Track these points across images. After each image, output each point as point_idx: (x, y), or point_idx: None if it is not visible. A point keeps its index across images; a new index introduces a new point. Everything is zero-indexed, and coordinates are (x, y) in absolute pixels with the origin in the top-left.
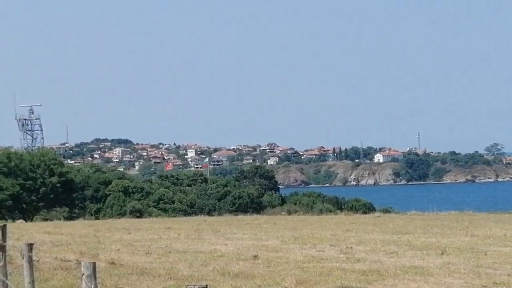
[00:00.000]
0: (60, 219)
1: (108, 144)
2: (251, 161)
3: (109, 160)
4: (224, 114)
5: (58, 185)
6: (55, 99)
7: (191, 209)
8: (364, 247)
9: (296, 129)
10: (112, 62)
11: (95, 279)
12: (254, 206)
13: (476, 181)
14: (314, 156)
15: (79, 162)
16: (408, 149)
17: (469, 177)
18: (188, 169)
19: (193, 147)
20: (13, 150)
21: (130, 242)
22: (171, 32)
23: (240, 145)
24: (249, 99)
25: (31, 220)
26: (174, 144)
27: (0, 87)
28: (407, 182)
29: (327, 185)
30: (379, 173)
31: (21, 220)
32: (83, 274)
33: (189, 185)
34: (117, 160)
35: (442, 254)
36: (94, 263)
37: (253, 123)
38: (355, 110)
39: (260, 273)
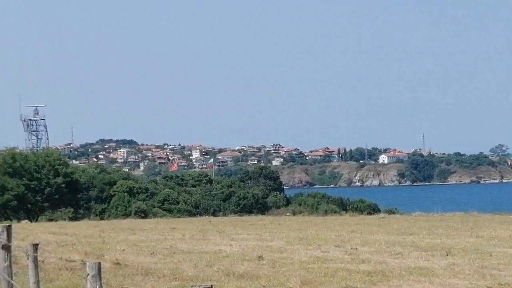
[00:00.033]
0: (65, 220)
1: (113, 144)
2: (255, 161)
3: (114, 161)
4: (229, 115)
5: (63, 185)
6: (60, 100)
7: (195, 210)
8: (369, 248)
9: (301, 130)
10: (117, 62)
11: (100, 280)
12: (259, 207)
13: (481, 182)
14: (319, 157)
15: (84, 163)
16: (412, 150)
17: (474, 178)
18: (193, 169)
19: (197, 147)
20: (18, 150)
21: (135, 242)
22: (175, 33)
23: (245, 146)
24: (254, 99)
25: (36, 220)
26: (179, 144)
27: (5, 88)
28: (412, 183)
29: (331, 186)
30: (383, 174)
31: (26, 221)
32: (88, 274)
33: (193, 186)
34: (122, 160)
35: (447, 255)
36: (99, 263)
37: (258, 123)
38: (360, 111)
39: (265, 273)
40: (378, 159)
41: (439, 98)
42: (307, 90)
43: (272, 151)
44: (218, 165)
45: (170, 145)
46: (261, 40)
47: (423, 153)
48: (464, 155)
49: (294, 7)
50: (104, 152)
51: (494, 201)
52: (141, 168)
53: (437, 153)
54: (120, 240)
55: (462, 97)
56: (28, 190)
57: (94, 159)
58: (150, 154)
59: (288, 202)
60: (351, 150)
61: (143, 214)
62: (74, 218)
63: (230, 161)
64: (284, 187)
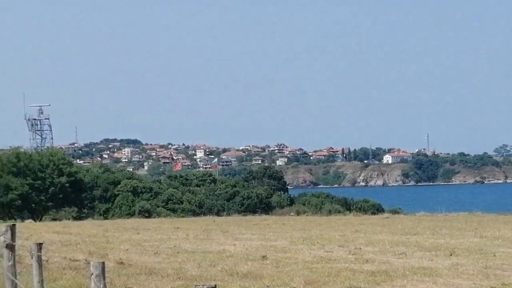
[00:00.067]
0: (69, 219)
1: (117, 144)
2: (260, 161)
3: (118, 160)
4: (233, 115)
5: (67, 185)
6: (64, 99)
7: (199, 210)
8: (372, 248)
9: (305, 130)
10: (122, 62)
11: (104, 279)
12: (263, 207)
13: (485, 182)
14: (323, 156)
15: (88, 162)
16: (417, 150)
17: (478, 178)
18: (197, 169)
19: (202, 147)
20: (22, 150)
21: (139, 242)
22: (180, 33)
23: (249, 146)
24: (258, 99)
25: (40, 220)
26: (183, 144)
27: (9, 87)
28: (416, 183)
29: (336, 185)
30: (388, 174)
31: (30, 220)
32: (92, 273)
33: (198, 186)
34: (126, 160)
35: (451, 255)
36: (103, 262)
37: (262, 123)
38: (364, 111)
39: (269, 273)
40: (382, 159)
41: (443, 98)
42: (312, 90)
43: (276, 151)
44: (222, 165)
45: (174, 145)
46: (266, 40)
47: (427, 153)
48: (468, 155)
49: (296, 7)
50: (108, 152)
51: (498, 201)
52: (145, 167)
53: (441, 153)
54: (124, 240)
55: (466, 97)
56: (32, 190)
57: (98, 158)
58: (154, 153)
59: (292, 202)
60: (355, 150)
61: (147, 213)
62: (78, 217)
63: (234, 161)
64: (288, 187)
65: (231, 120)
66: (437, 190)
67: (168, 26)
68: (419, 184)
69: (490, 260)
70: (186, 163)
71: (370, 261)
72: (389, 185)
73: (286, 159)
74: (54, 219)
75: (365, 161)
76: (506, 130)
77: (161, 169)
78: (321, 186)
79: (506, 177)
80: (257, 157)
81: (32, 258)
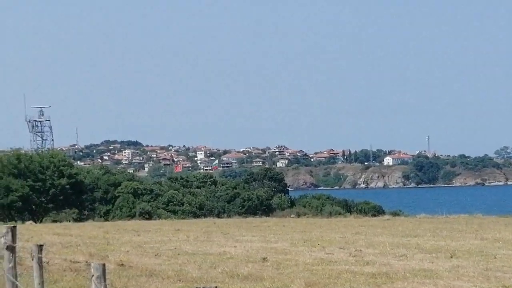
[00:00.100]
0: (69, 221)
1: (118, 145)
2: (260, 163)
3: (118, 162)
4: (234, 116)
5: (68, 186)
6: (65, 101)
7: (200, 211)
8: (373, 250)
9: (306, 132)
10: (122, 64)
11: (105, 281)
12: (263, 209)
13: (486, 184)
14: (323, 158)
15: (89, 164)
16: (417, 152)
17: (478, 180)
18: (198, 171)
19: (202, 149)
20: (23, 151)
21: (139, 244)
22: (181, 34)
23: (250, 148)
24: (259, 101)
25: (41, 221)
26: (184, 146)
27: (10, 89)
28: (417, 185)
29: (336, 187)
30: (388, 176)
31: (30, 222)
32: (93, 275)
33: (198, 187)
34: (127, 161)
35: (451, 257)
36: (104, 264)
37: (263, 125)
38: (364, 113)
39: (269, 275)
40: (383, 161)
41: (444, 100)
42: (312, 91)
43: (277, 152)
44: (223, 167)
45: (175, 147)
46: (267, 41)
47: (428, 155)
48: (469, 157)
49: (296, 7)
50: (109, 153)
51: (499, 203)
52: (146, 169)
53: (442, 155)
54: (124, 242)
55: (467, 99)
56: (33, 191)
57: (99, 160)
58: (154, 155)
59: (292, 203)
60: (356, 151)
61: (147, 215)
62: (79, 219)
63: (235, 162)
64: (289, 188)
65: (231, 121)
66: (437, 192)
67: (168, 27)
68: (419, 186)
69: (490, 262)
70: (187, 165)
71: (370, 263)
72: (389, 187)
73: (286, 161)
74: (55, 221)
75: (366, 163)
76: (506, 132)
77: (161, 171)
78: (321, 188)
79: (507, 179)
80: (257, 159)
81: (32, 259)
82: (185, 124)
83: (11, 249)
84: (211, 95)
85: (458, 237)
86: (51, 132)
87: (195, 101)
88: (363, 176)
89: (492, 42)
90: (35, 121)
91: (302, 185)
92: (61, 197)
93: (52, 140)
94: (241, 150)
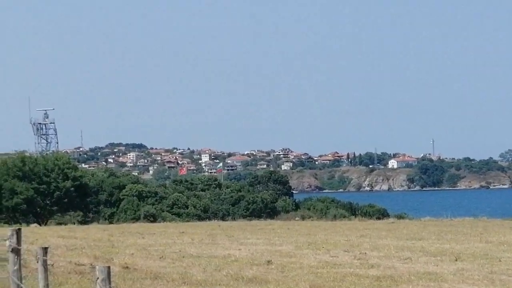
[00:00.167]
0: (74, 223)
1: (122, 148)
2: (265, 166)
3: (123, 165)
4: (238, 119)
5: (72, 189)
6: (69, 104)
7: (205, 214)
8: (378, 253)
9: (310, 135)
10: (127, 66)
11: (110, 283)
12: (268, 211)
13: (491, 187)
14: (328, 161)
15: (93, 167)
16: (422, 155)
17: (483, 183)
18: (202, 173)
19: (207, 152)
20: (27, 154)
21: (144, 246)
22: (184, 37)
23: (254, 150)
24: (263, 104)
25: (45, 224)
26: (188, 148)
27: (15, 92)
28: (421, 188)
29: (341, 190)
30: (393, 179)
31: (35, 224)
32: (98, 278)
33: (203, 190)
34: (131, 164)
35: (456, 260)
36: (109, 267)
37: (267, 128)
38: (369, 116)
39: (274, 278)
40: (388, 164)
41: (448, 103)
42: (317, 94)
43: (282, 155)
44: (227, 169)
45: (180, 149)
46: (269, 45)
47: (433, 158)
48: (473, 160)
49: (302, 9)
50: (113, 156)
51: (504, 207)
52: (151, 172)
53: (446, 158)
54: (129, 244)
55: (472, 102)
56: (38, 194)
57: (104, 163)
58: (159, 158)
59: (297, 206)
60: (360, 154)
61: (152, 218)
62: (83, 221)
63: (240, 165)
64: (293, 191)
65: (236, 124)
66: (442, 195)
67: (174, 29)
68: (424, 189)
69: (495, 265)
70: (191, 168)
71: (375, 266)
72: (394, 190)
73: (291, 164)
74: (59, 223)
75: (370, 166)
76: (511, 135)
77: (166, 174)
78: (326, 190)
79: None
80: (262, 162)
81: (37, 262)
82: (190, 127)
83: (16, 251)
84: (216, 98)
85: (463, 240)
86: (56, 134)
87: (199, 104)
88: (367, 179)
89: (497, 44)
90: (40, 123)
91: (306, 188)
92: (66, 199)
93: (57, 142)
94: (246, 152)
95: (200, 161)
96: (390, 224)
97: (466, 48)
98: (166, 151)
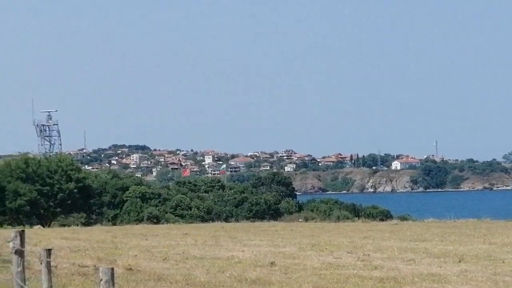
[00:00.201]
0: (77, 225)
1: (126, 150)
2: (268, 167)
3: (126, 166)
4: (242, 121)
5: (76, 191)
6: (73, 105)
7: (208, 216)
8: (381, 254)
9: (314, 136)
10: (130, 68)
11: (113, 285)
12: (271, 213)
13: (494, 188)
14: (331, 163)
15: (97, 168)
16: (425, 156)
17: (486, 185)
18: (205, 175)
19: (210, 153)
20: (31, 155)
21: (147, 248)
22: (184, 37)
23: (258, 152)
24: (267, 105)
25: (49, 225)
26: (192, 150)
27: (18, 93)
28: (425, 189)
29: (344, 192)
30: (396, 180)
31: (38, 226)
32: (101, 279)
33: (206, 192)
34: (135, 166)
35: (460, 261)
36: (112, 268)
37: (271, 129)
38: (372, 117)
39: (277, 279)
40: (391, 165)
41: (452, 104)
42: (320, 96)
43: (285, 157)
44: (231, 171)
45: (183, 151)
46: (271, 44)
47: (436, 160)
48: (477, 161)
49: (302, 9)
50: (116, 158)
51: (507, 208)
52: (154, 173)
53: (450, 160)
54: (132, 246)
55: (475, 104)
56: (41, 195)
57: (107, 164)
58: (162, 159)
59: (300, 208)
60: (363, 156)
61: (155, 219)
62: (87, 223)
63: (243, 167)
64: (297, 193)
65: (239, 126)
66: (445, 197)
67: (172, 30)
68: (427, 190)
69: (499, 266)
70: (195, 169)
71: (378, 267)
72: (397, 191)
73: (294, 165)
74: (63, 225)
75: (374, 167)
76: None
77: (169, 175)
78: (329, 192)
79: None
80: (265, 163)
81: (41, 264)
82: (193, 129)
83: (20, 253)
84: (219, 100)
85: (466, 241)
86: (59, 136)
87: (203, 106)
88: (371, 181)
89: (503, 47)
90: (43, 125)
91: (310, 190)
92: (69, 201)
93: (60, 144)
94: (249, 154)
95: (203, 163)
96: (394, 226)
97: (471, 49)
98: (170, 152)
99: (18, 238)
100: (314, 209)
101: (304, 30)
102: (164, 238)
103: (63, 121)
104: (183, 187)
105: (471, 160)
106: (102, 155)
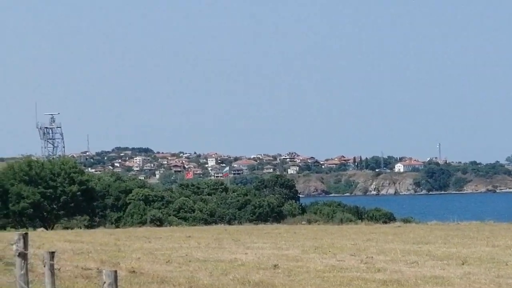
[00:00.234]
0: (80, 228)
1: (129, 152)
2: (271, 170)
3: (129, 169)
4: (244, 123)
5: (79, 193)
6: (76, 108)
7: (211, 218)
8: (384, 256)
9: (317, 138)
10: (133, 71)
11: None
12: (274, 215)
13: (497, 191)
14: (334, 165)
15: (100, 171)
16: (428, 158)
17: (490, 187)
18: (209, 178)
19: (213, 156)
20: (34, 158)
21: (150, 250)
22: (184, 37)
23: (261, 154)
24: (269, 108)
25: (52, 228)
26: (195, 153)
27: (21, 96)
28: (428, 192)
29: (347, 194)
30: (399, 183)
31: (42, 229)
32: (104, 282)
33: (209, 194)
34: (138, 168)
35: (463, 264)
36: (116, 271)
37: (274, 132)
38: (375, 120)
39: (281, 282)
40: (394, 167)
41: (455, 106)
42: (323, 98)
43: (288, 159)
44: (234, 174)
45: (186, 153)
46: (271, 44)
47: (439, 162)
48: (480, 164)
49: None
50: (120, 160)
51: (510, 210)
52: (157, 176)
53: (453, 162)
54: (135, 248)
55: (479, 106)
56: (44, 198)
57: (110, 167)
58: (165, 162)
59: (303, 210)
60: (366, 158)
61: (158, 222)
62: (90, 226)
63: (246, 169)
64: (300, 195)
65: (242, 128)
66: (448, 199)
67: (172, 30)
68: (430, 193)
69: (502, 269)
70: (198, 172)
71: (382, 270)
72: (400, 194)
73: (297, 168)
74: (66, 228)
75: (377, 170)
76: None
77: (172, 178)
78: (332, 194)
79: None
80: (268, 166)
81: (44, 266)
82: (196, 131)
83: (23, 256)
84: (222, 102)
85: (469, 244)
86: (62, 139)
87: (206, 108)
88: (374, 183)
89: (504, 48)
90: (46, 128)
91: (313, 192)
92: (72, 204)
93: (63, 147)
94: (252, 156)
95: (206, 165)
96: (397, 228)
97: (475, 50)
98: (173, 155)
99: (21, 240)
100: (317, 211)
101: (304, 30)
102: (167, 240)
103: (66, 123)
104: (186, 189)
105: (474, 163)
106: (105, 158)
